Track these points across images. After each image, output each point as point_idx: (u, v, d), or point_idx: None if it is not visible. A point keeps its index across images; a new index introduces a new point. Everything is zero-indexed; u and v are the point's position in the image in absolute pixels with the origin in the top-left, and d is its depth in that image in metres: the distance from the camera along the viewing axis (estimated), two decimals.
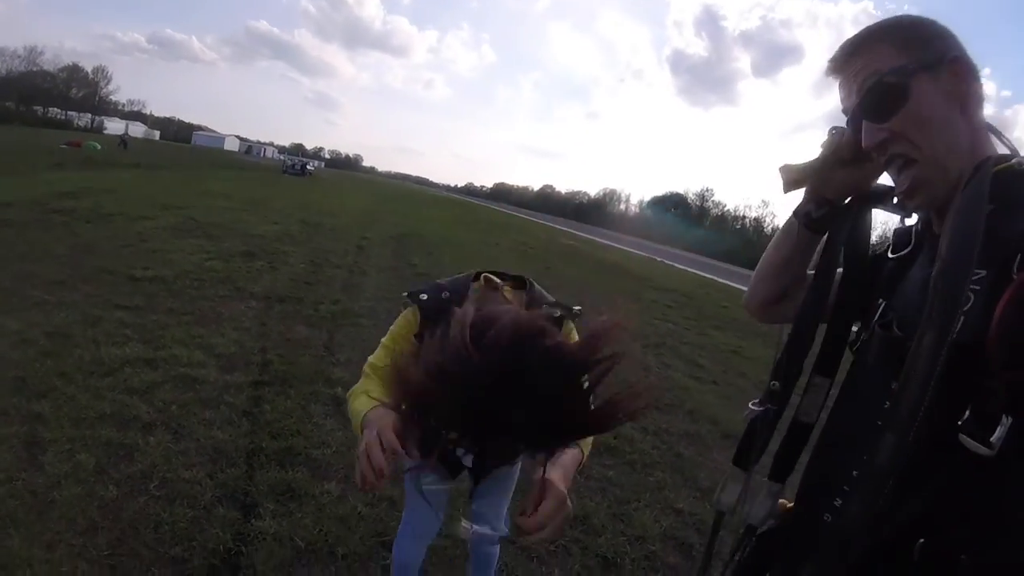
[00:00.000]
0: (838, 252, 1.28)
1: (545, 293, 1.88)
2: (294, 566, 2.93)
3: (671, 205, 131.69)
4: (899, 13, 1.21)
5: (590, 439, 1.76)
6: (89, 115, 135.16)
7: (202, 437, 3.97)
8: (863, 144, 1.12)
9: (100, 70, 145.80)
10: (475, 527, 1.74)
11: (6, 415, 3.90)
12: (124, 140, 60.11)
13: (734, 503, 1.29)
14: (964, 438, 0.85)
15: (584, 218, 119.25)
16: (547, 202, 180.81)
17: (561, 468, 1.49)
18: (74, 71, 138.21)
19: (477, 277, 1.85)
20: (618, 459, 4.70)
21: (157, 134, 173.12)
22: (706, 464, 4.97)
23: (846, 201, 1.31)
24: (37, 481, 3.29)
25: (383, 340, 1.85)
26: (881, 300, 1.19)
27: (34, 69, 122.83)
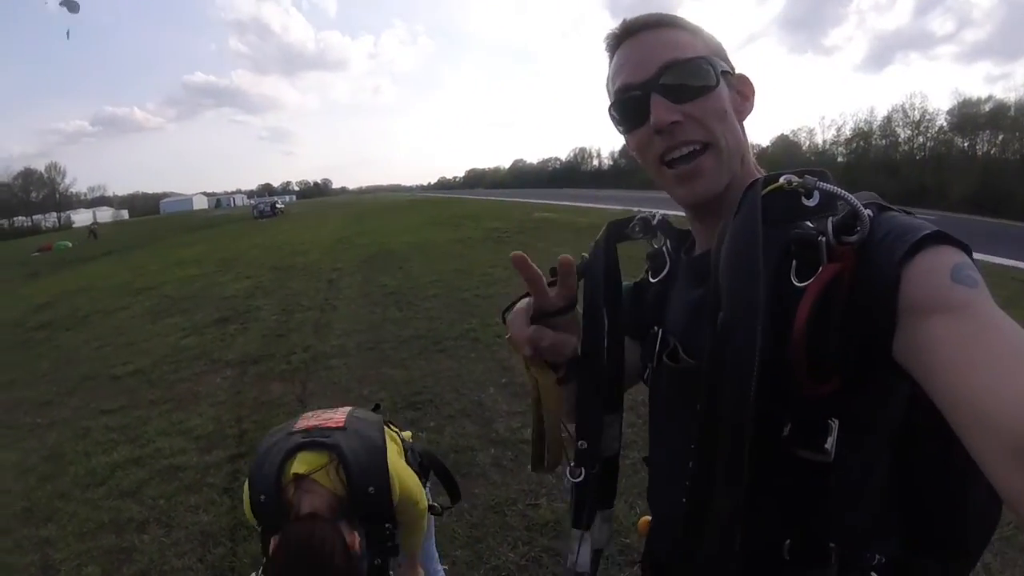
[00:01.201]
0: (599, 305, 1.12)
1: (356, 456, 1.95)
2: None
3: None
4: None
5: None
6: (54, 213, 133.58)
7: (189, 524, 4.35)
8: (655, 121, 1.03)
9: (53, 166, 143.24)
10: None
11: (20, 547, 4.33)
12: (92, 231, 59.55)
13: (587, 561, 1.22)
14: (796, 451, 0.86)
15: (560, 183, 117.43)
16: (521, 176, 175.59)
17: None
18: (28, 175, 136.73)
19: (286, 470, 1.92)
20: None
21: (125, 213, 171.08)
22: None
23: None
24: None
25: None
26: (656, 328, 1.19)
27: None
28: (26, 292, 19.44)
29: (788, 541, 0.92)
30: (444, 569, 2.75)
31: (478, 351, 7.54)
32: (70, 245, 45.69)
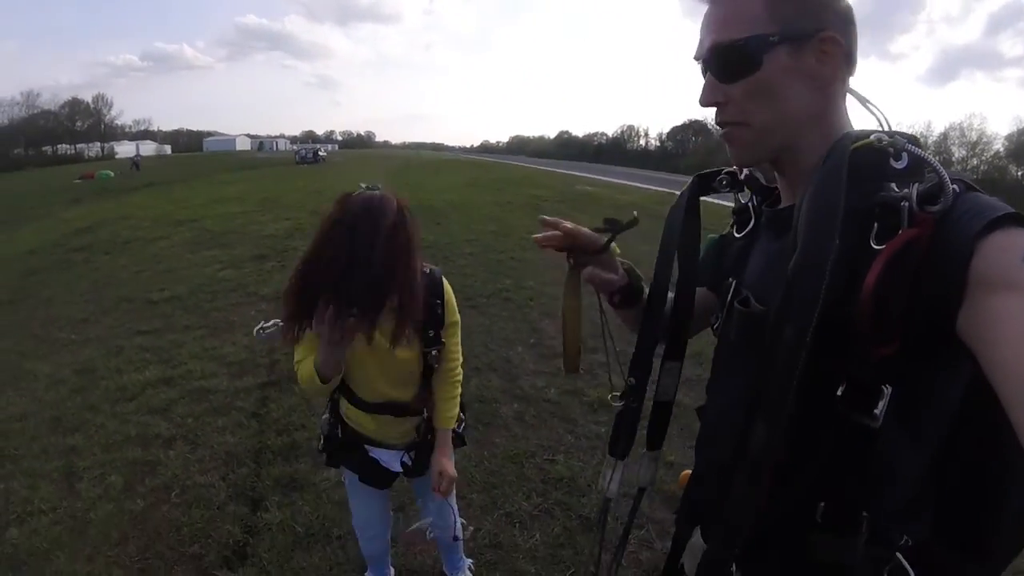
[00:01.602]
0: (672, 250, 1.26)
1: None
2: (294, 551, 3.28)
3: (692, 132, 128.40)
4: None
5: (453, 415, 2.28)
6: (98, 144, 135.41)
7: (215, 444, 4.38)
8: (700, 100, 1.09)
9: (100, 97, 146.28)
10: (430, 524, 2.18)
11: (46, 452, 4.36)
12: (135, 162, 60.60)
13: (617, 489, 1.37)
14: (847, 410, 0.88)
15: (604, 159, 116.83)
16: (566, 148, 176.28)
17: (440, 447, 2.28)
18: (75, 104, 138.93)
19: None
20: (612, 413, 4.93)
21: (168, 148, 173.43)
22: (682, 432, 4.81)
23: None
24: (76, 506, 3.73)
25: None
26: (731, 279, 1.20)
27: (35, 112, 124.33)
28: (67, 216, 19.61)
29: (823, 504, 0.94)
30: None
31: (509, 311, 7.56)
32: (112, 175, 45.81)
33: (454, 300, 2.23)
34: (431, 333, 2.15)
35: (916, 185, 0.85)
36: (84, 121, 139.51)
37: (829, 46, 0.99)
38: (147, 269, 10.26)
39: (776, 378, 0.87)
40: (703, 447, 1.32)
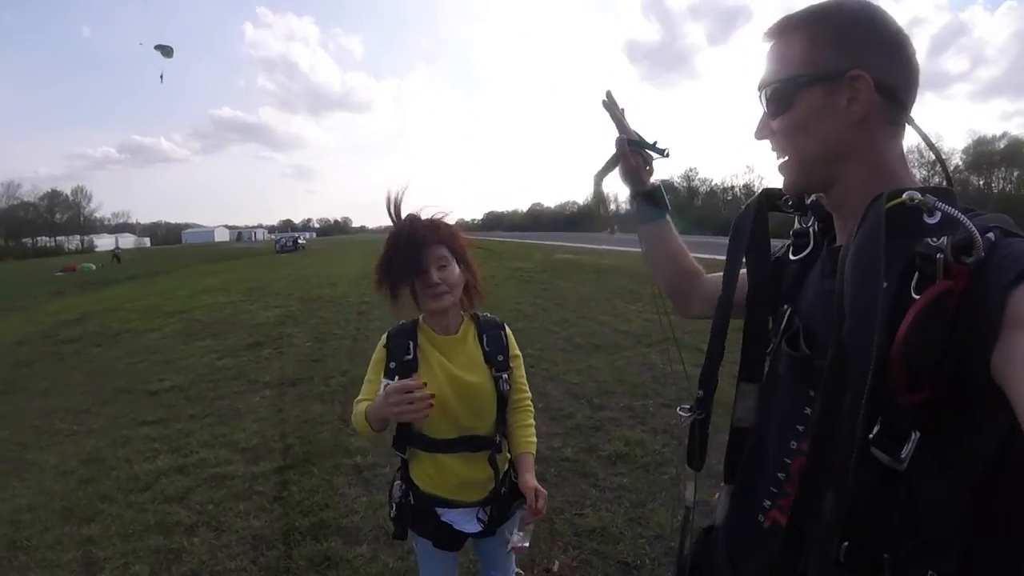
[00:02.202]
0: (739, 261, 1.30)
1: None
2: None
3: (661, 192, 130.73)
4: None
5: (533, 440, 2.40)
6: (78, 236, 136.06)
7: (240, 528, 4.32)
8: (754, 134, 1.21)
9: (79, 190, 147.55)
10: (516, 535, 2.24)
11: (61, 544, 4.28)
12: (116, 255, 60.63)
13: (694, 498, 1.40)
14: (877, 452, 0.88)
15: (577, 227, 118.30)
16: (539, 220, 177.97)
17: (528, 471, 2.28)
18: (54, 196, 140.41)
19: None
20: (631, 465, 4.99)
21: (148, 241, 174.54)
22: (721, 448, 5.13)
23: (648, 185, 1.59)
24: None
25: (366, 377, 2.28)
26: (786, 306, 1.21)
27: (15, 203, 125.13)
28: (53, 308, 19.55)
29: (846, 544, 0.93)
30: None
31: None
32: (94, 267, 46.18)
33: (513, 338, 2.43)
34: (500, 357, 2.29)
35: (949, 238, 0.87)
36: (63, 213, 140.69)
37: (859, 83, 1.04)
38: (143, 360, 10.20)
39: (840, 450, 0.89)
40: (744, 473, 1.31)
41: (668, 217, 1.61)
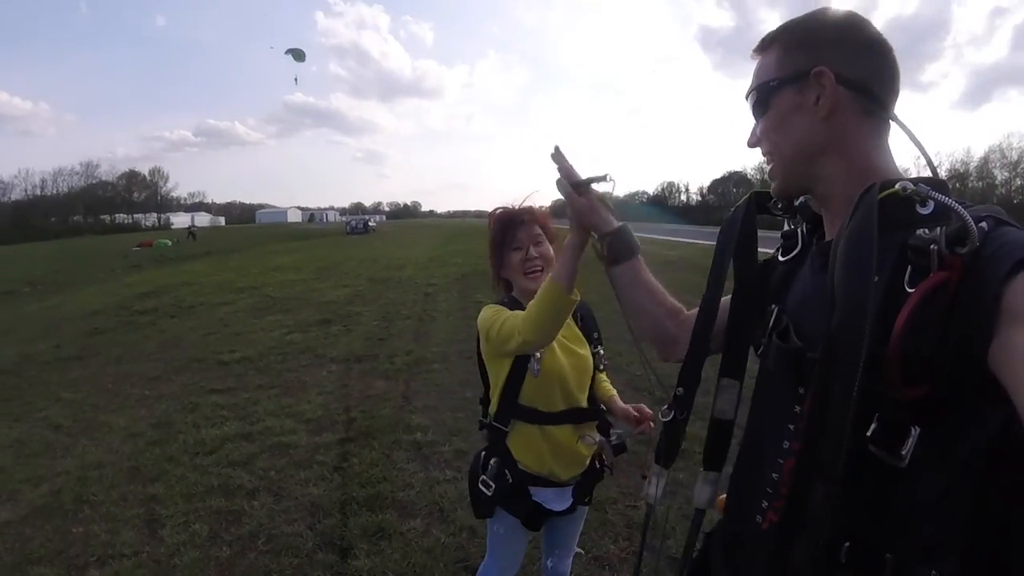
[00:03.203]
0: (726, 262, 1.30)
1: None
2: None
3: (733, 184, 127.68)
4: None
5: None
6: (154, 214, 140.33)
7: (299, 495, 4.38)
8: (748, 141, 1.24)
9: (156, 171, 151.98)
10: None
11: (125, 500, 4.42)
12: (192, 232, 62.45)
13: (660, 495, 1.42)
14: (875, 449, 0.88)
15: (647, 217, 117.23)
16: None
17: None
18: (132, 176, 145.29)
19: None
20: (688, 460, 4.88)
21: (222, 220, 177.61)
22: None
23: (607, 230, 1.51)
24: (159, 551, 3.75)
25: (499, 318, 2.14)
26: (774, 306, 1.21)
27: (93, 182, 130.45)
28: (129, 281, 20.19)
29: (847, 544, 0.93)
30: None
31: None
32: (169, 243, 47.61)
33: None
34: (595, 334, 2.43)
35: (943, 228, 0.87)
36: (141, 192, 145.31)
37: (823, 79, 1.07)
38: (215, 332, 10.46)
39: (829, 441, 0.88)
40: (740, 474, 1.30)
41: (639, 256, 1.53)
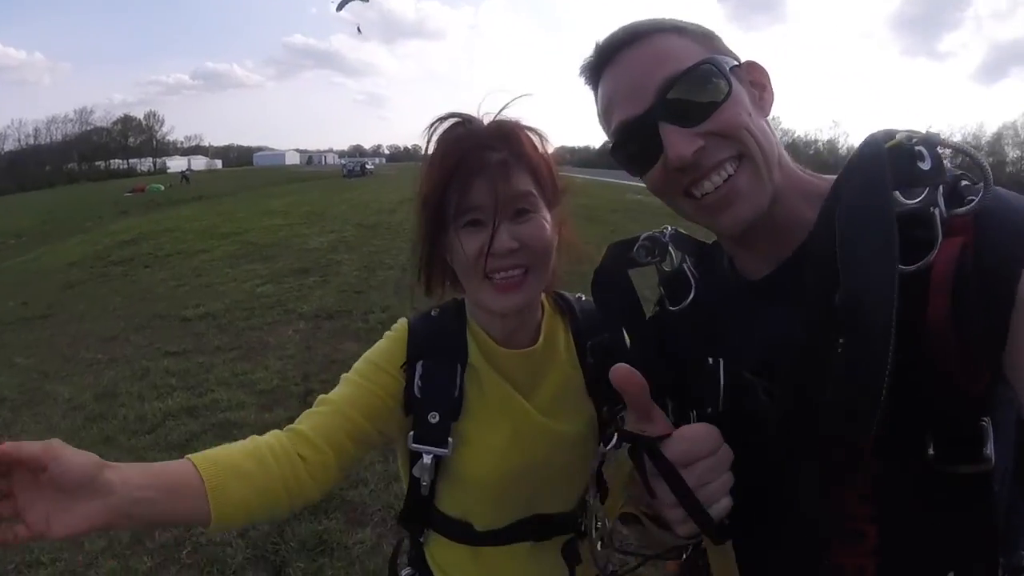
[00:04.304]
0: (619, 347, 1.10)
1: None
2: None
3: None
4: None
5: None
6: (150, 159, 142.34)
7: None
8: (672, 157, 0.87)
9: (152, 115, 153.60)
10: None
11: None
12: (185, 175, 63.30)
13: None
14: (954, 467, 0.72)
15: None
16: (611, 158, 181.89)
17: None
18: (127, 121, 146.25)
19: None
20: None
21: (219, 163, 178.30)
22: None
23: None
24: (76, 560, 3.34)
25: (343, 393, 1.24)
26: (712, 359, 0.96)
27: (88, 128, 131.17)
28: (114, 228, 19.89)
29: (951, 574, 0.78)
30: None
31: None
32: (162, 188, 47.74)
33: None
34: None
35: (940, 187, 0.74)
36: (136, 137, 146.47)
37: (759, 75, 0.95)
38: (185, 283, 10.15)
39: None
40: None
41: None
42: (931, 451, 0.72)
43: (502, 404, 1.25)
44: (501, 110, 1.23)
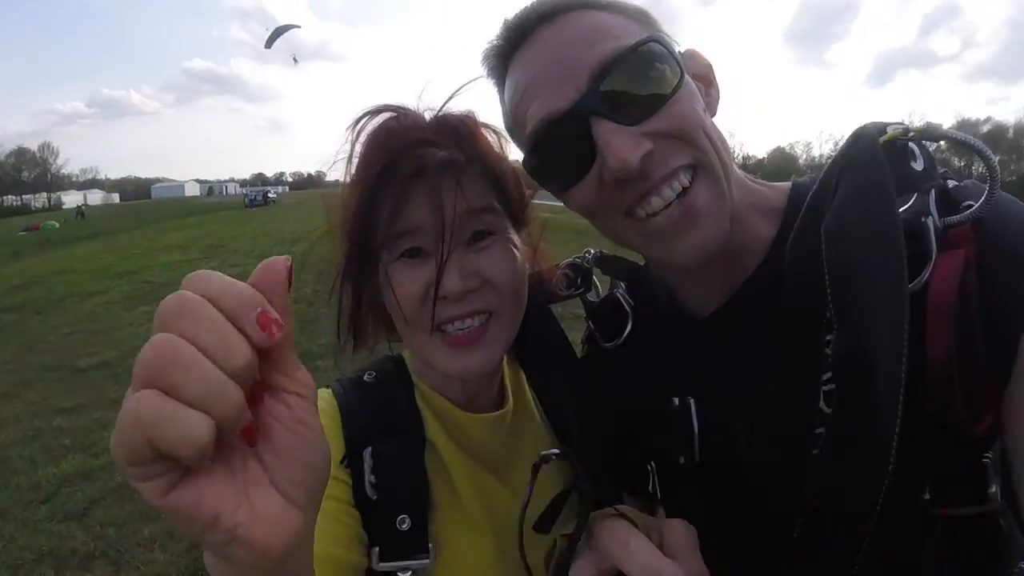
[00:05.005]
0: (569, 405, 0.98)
1: None
2: None
3: None
4: None
5: None
6: (44, 194, 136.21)
7: (141, 563, 3.75)
8: (613, 165, 0.69)
9: (46, 146, 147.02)
10: None
11: None
12: (80, 211, 61.51)
13: None
14: (954, 510, 0.66)
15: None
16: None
17: None
18: (20, 154, 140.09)
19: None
20: None
21: (116, 196, 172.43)
22: None
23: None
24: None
25: None
26: (678, 400, 0.83)
27: None
28: (5, 272, 18.87)
29: None
30: None
31: None
32: (57, 225, 45.98)
33: None
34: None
35: (932, 192, 0.66)
36: (31, 171, 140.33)
37: (704, 68, 0.81)
38: (78, 330, 9.73)
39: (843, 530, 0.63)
40: None
41: None
42: (926, 496, 0.66)
43: (478, 497, 0.96)
44: (450, 98, 0.92)
